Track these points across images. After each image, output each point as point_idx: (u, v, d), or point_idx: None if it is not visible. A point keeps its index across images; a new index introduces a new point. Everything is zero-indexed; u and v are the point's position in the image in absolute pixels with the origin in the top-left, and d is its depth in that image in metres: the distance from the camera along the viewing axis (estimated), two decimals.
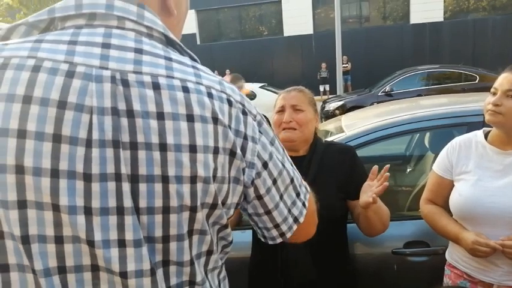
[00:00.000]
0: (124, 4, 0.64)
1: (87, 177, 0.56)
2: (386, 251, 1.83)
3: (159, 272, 0.63)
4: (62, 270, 0.58)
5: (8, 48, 0.60)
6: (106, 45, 0.61)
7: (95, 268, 0.59)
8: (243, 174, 0.68)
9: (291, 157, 1.62)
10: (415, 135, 2.70)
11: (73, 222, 0.57)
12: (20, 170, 0.55)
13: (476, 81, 9.07)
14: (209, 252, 0.69)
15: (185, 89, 0.62)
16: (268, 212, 0.75)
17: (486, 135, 1.48)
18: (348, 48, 14.04)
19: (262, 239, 0.83)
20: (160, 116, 0.59)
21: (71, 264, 0.59)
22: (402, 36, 16.07)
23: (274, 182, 0.73)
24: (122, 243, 0.59)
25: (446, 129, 2.07)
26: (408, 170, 2.86)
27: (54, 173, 0.56)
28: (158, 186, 0.59)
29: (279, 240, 0.80)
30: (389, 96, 9.06)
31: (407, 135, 2.34)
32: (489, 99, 1.39)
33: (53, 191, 0.56)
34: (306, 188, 0.84)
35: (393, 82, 9.60)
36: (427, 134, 2.53)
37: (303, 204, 0.80)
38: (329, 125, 2.80)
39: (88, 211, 0.57)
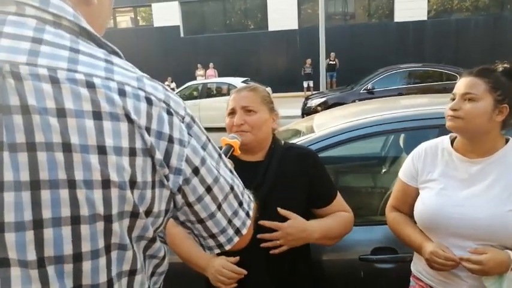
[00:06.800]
0: None
1: None
2: (353, 257, 1.76)
3: None
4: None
5: None
6: None
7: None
8: (167, 180, 0.61)
9: (247, 162, 1.51)
10: (388, 136, 2.64)
11: None
12: None
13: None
14: (132, 272, 0.62)
15: (90, 84, 0.55)
16: (201, 221, 0.69)
17: (453, 141, 1.41)
18: (333, 44, 14.04)
19: (200, 247, 0.77)
20: (60, 112, 0.52)
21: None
22: (386, 34, 16.14)
23: (209, 189, 0.67)
24: (23, 264, 0.52)
25: (418, 132, 2.00)
26: (378, 173, 2.80)
27: None
28: (64, 193, 0.52)
29: (217, 250, 0.74)
30: (370, 94, 9.10)
31: (378, 136, 2.27)
32: (449, 105, 1.33)
33: None
34: (249, 196, 0.77)
35: (375, 80, 9.63)
36: (401, 136, 2.47)
37: (247, 214, 0.74)
38: (302, 124, 2.73)
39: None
